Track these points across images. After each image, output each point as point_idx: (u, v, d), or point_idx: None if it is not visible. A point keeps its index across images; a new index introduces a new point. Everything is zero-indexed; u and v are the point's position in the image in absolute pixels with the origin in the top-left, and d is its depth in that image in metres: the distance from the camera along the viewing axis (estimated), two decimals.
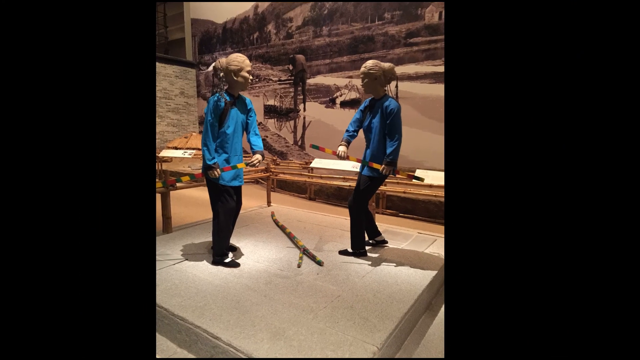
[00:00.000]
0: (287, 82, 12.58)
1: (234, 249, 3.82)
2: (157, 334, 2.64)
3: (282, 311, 2.58)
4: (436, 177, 5.63)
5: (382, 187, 6.09)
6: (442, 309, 3.14)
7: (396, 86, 3.64)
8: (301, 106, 12.19)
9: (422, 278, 3.23)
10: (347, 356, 2.11)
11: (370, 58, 3.83)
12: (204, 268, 3.36)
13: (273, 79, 12.99)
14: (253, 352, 2.13)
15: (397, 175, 3.59)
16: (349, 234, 3.82)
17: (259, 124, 13.07)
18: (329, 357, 2.10)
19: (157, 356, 2.43)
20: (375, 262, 3.57)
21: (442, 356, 2.46)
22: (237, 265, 3.41)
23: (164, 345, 2.55)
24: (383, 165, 3.41)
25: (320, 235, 4.47)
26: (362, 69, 3.49)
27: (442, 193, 5.87)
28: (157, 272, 3.22)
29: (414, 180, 3.62)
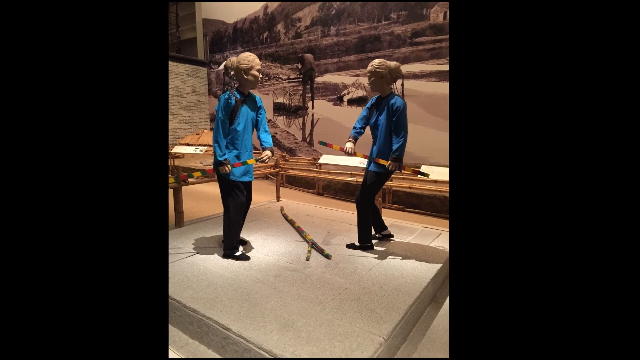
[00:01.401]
0: (296, 80, 12.57)
1: (244, 242, 3.83)
2: (169, 326, 2.65)
3: (291, 303, 2.59)
4: (441, 173, 5.61)
5: (388, 183, 6.08)
6: (447, 300, 3.13)
7: (402, 84, 3.61)
8: (310, 104, 12.18)
9: (427, 271, 3.22)
10: (354, 346, 2.11)
11: (377, 57, 3.83)
12: (215, 261, 3.37)
13: (282, 77, 12.99)
14: (263, 343, 2.13)
15: (403, 171, 3.58)
16: (356, 228, 3.81)
17: (269, 121, 13.08)
18: (337, 347, 2.10)
19: (170, 347, 2.44)
20: (382, 256, 3.56)
21: (447, 346, 2.45)
22: (247, 258, 3.42)
23: (176, 336, 2.56)
24: (389, 162, 3.40)
25: (328, 230, 4.46)
26: (369, 67, 3.48)
27: (446, 188, 5.84)
28: (169, 265, 3.24)
29: (419, 175, 3.60)
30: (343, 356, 2.04)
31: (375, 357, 2.09)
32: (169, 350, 2.40)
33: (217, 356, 2.36)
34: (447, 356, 2.38)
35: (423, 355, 2.42)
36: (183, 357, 2.37)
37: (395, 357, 2.39)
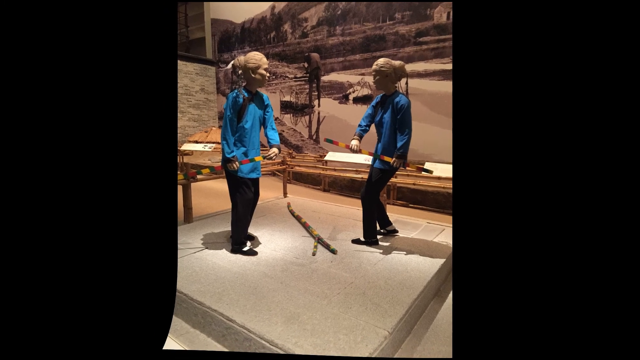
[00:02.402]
0: (303, 79, 12.55)
1: (251, 238, 3.83)
2: (173, 316, 2.65)
3: (298, 297, 2.59)
4: (444, 170, 5.60)
5: (393, 179, 6.07)
6: (450, 295, 3.12)
7: (406, 83, 3.61)
8: (316, 102, 12.16)
9: (431, 266, 3.21)
10: (359, 339, 2.11)
11: (382, 56, 3.82)
12: (223, 256, 3.38)
13: (289, 76, 12.97)
14: (265, 333, 2.14)
15: (407, 168, 3.57)
16: (361, 224, 3.81)
17: (276, 119, 13.07)
18: (342, 340, 2.10)
19: (170, 335, 2.42)
20: (387, 251, 3.56)
21: (450, 340, 2.44)
22: (254, 253, 3.42)
23: (177, 325, 2.57)
24: (394, 158, 3.39)
25: (334, 225, 4.46)
26: (374, 66, 3.47)
27: (450, 185, 5.82)
28: (178, 259, 3.24)
29: (423, 172, 3.60)
30: (347, 348, 2.05)
31: (379, 349, 2.09)
32: (168, 338, 2.38)
33: (216, 344, 2.36)
34: (450, 349, 2.37)
35: (427, 348, 2.42)
36: (180, 344, 2.37)
37: (400, 349, 2.38)
